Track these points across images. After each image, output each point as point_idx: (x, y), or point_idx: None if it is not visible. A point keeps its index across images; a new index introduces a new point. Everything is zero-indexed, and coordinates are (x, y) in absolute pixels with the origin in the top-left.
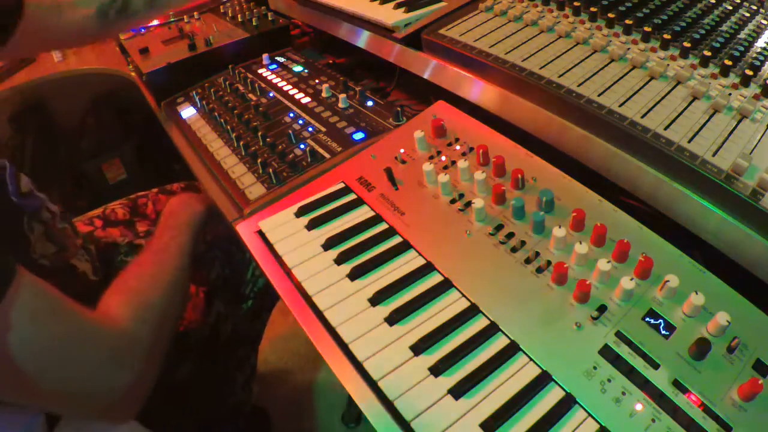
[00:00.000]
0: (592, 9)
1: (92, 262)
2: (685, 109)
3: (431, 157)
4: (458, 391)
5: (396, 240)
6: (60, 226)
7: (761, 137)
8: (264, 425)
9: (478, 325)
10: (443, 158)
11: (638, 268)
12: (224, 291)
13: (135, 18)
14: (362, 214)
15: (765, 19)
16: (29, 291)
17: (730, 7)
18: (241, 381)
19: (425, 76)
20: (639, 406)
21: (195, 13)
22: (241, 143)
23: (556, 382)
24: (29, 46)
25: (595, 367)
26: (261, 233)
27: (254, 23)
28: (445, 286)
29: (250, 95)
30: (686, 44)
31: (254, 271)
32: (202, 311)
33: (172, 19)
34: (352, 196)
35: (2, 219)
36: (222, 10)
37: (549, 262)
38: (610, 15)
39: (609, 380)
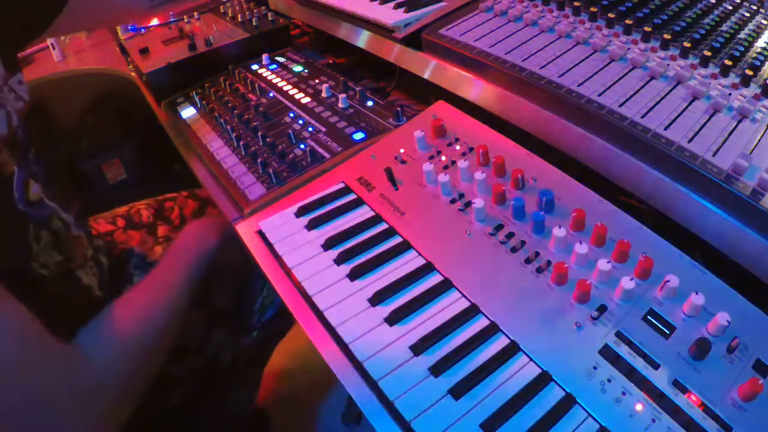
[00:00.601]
0: (592, 9)
1: (100, 275)
2: (685, 109)
3: (431, 157)
4: (458, 391)
5: (396, 240)
6: (75, 234)
7: (761, 137)
8: (263, 426)
9: (478, 325)
10: (443, 158)
11: (638, 268)
12: (228, 320)
13: (180, 3)
14: (362, 214)
15: (765, 19)
16: (4, 311)
17: (730, 7)
18: (244, 394)
19: (425, 76)
20: (639, 406)
21: (195, 13)
22: (241, 143)
23: (556, 382)
24: (74, 24)
25: (595, 367)
26: (261, 233)
27: (254, 23)
28: (445, 286)
29: (250, 95)
30: (686, 44)
31: (263, 301)
32: (200, 341)
33: (172, 19)
34: (352, 196)
35: (3, 226)
36: (222, 10)
37: (549, 262)
38: (610, 15)
39: (609, 380)
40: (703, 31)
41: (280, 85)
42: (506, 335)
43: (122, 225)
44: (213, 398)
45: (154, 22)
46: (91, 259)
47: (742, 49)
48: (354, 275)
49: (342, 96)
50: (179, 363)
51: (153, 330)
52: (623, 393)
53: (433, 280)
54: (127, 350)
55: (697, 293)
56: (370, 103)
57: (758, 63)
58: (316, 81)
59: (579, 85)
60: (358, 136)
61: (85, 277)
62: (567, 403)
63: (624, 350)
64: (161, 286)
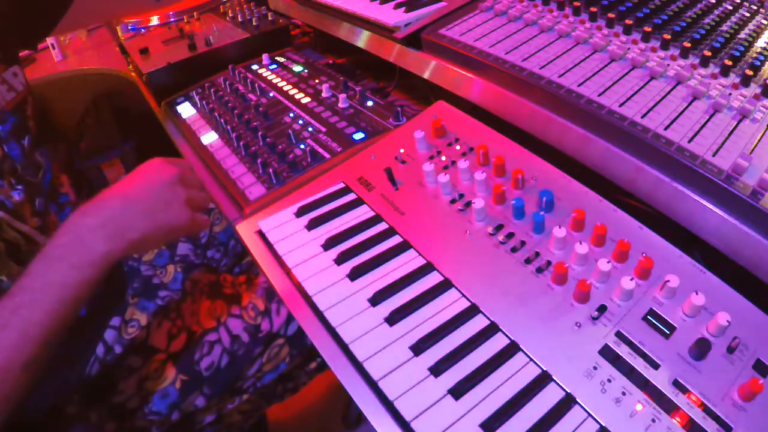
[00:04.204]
0: (592, 9)
1: None
2: (685, 109)
3: (431, 157)
4: (458, 391)
5: (396, 240)
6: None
7: (761, 137)
8: (262, 428)
9: (478, 325)
10: (443, 158)
11: (638, 268)
12: (212, 383)
13: None
14: (362, 214)
15: (765, 19)
16: None
17: (730, 7)
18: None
19: (425, 76)
20: (639, 406)
21: (195, 13)
22: (241, 143)
23: (556, 382)
24: (85, 17)
25: (595, 367)
26: (261, 233)
27: (254, 23)
28: (445, 286)
29: (250, 95)
30: (686, 44)
31: (261, 366)
32: (172, 402)
33: (172, 19)
34: (352, 196)
35: None
36: (222, 10)
37: (549, 262)
38: (610, 15)
39: (609, 380)
40: (703, 31)
41: (280, 85)
42: (506, 335)
43: None
44: None
45: (154, 22)
46: None
47: (742, 49)
48: (354, 275)
49: (342, 96)
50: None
51: None
52: (623, 393)
53: (433, 279)
54: None
55: (697, 293)
56: (370, 103)
57: (758, 63)
58: (316, 81)
59: (579, 85)
60: (358, 136)
61: None
62: (567, 403)
63: (624, 350)
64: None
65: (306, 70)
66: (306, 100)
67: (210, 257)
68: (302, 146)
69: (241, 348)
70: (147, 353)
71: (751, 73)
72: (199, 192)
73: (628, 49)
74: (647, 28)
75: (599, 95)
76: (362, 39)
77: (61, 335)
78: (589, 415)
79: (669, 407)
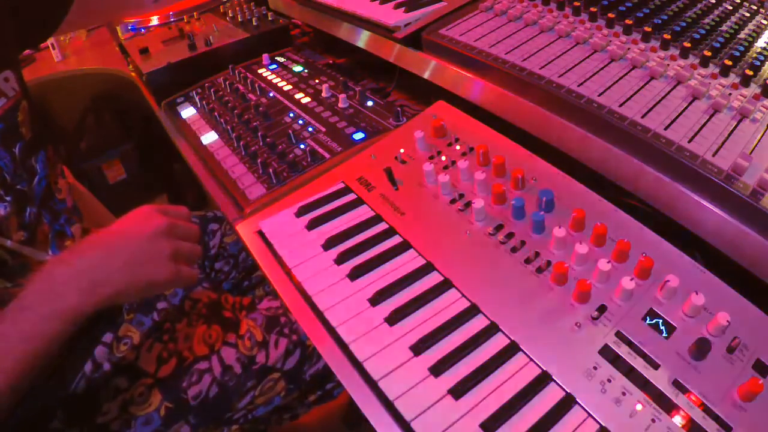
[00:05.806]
0: (592, 9)
1: None
2: (685, 109)
3: (431, 157)
4: (458, 391)
5: (396, 240)
6: (37, 260)
7: (761, 137)
8: (261, 428)
9: (478, 325)
10: (443, 158)
11: (638, 268)
12: (199, 413)
13: None
14: (362, 214)
15: (765, 19)
16: None
17: (730, 7)
18: None
19: (425, 76)
20: (639, 406)
21: (195, 13)
22: (241, 143)
23: (556, 382)
24: (85, 17)
25: (595, 367)
26: (261, 233)
27: (254, 23)
28: (445, 286)
29: (250, 95)
30: (686, 44)
31: (254, 399)
32: (155, 429)
33: (172, 19)
34: (352, 196)
35: None
36: (222, 10)
37: (549, 262)
38: (610, 15)
39: (609, 380)
40: (703, 31)
41: (280, 85)
42: (506, 335)
43: None
44: None
45: (154, 22)
46: None
47: (742, 49)
48: (354, 275)
49: (342, 96)
50: None
51: None
52: (623, 393)
53: (433, 279)
54: None
55: (697, 293)
56: (370, 103)
57: (758, 63)
58: (316, 81)
59: (579, 85)
60: (358, 136)
61: None
62: (567, 403)
63: (624, 350)
64: None
65: (306, 70)
66: (306, 100)
67: (218, 269)
68: (302, 146)
69: (232, 379)
70: (134, 375)
71: (751, 73)
72: (188, 244)
73: (628, 49)
74: (647, 28)
75: (599, 95)
76: (362, 39)
77: (29, 382)
78: (589, 415)
79: (669, 407)
